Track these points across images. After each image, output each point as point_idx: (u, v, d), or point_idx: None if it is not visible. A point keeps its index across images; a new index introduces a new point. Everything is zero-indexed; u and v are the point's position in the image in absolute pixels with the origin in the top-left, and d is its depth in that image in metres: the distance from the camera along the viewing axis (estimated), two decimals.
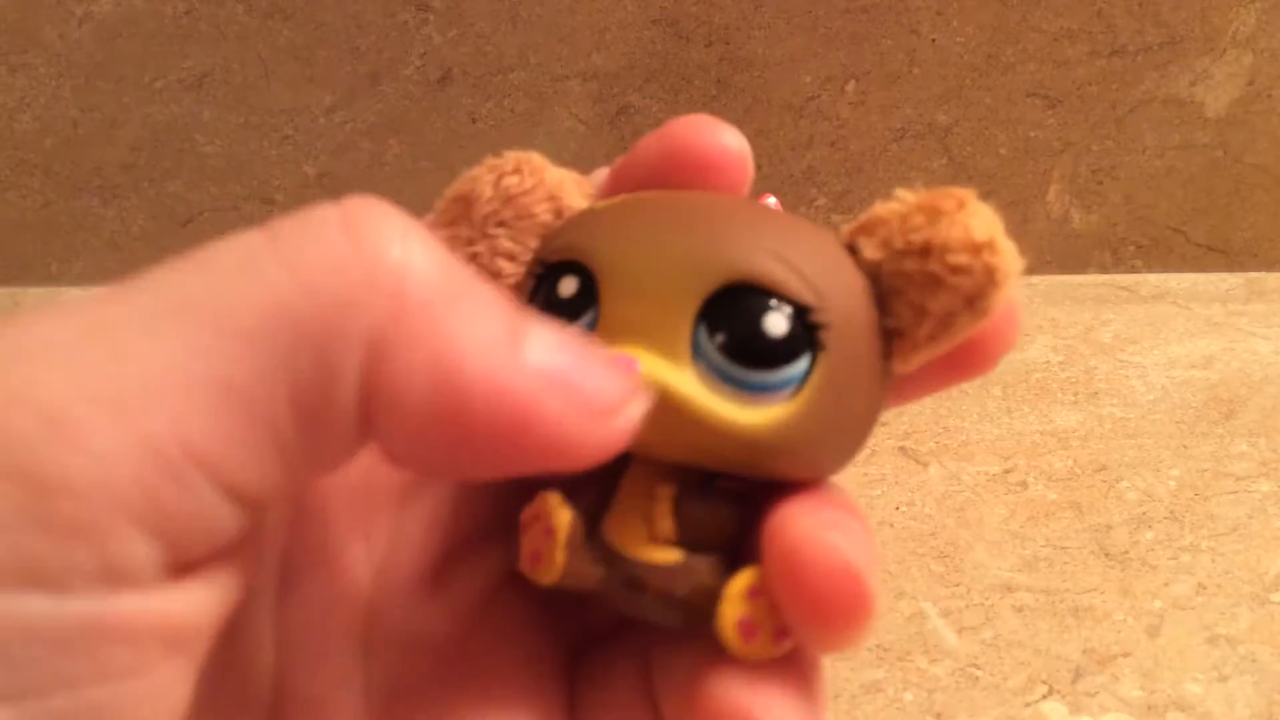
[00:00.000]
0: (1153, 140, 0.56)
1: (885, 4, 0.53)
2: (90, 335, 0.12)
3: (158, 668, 0.12)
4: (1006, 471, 0.46)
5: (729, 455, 0.14)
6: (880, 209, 0.15)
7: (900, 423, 0.49)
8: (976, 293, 0.14)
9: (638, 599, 0.15)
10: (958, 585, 0.40)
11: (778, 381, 0.14)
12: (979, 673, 0.36)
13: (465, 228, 0.16)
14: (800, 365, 0.14)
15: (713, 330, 0.14)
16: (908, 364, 0.15)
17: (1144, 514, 0.43)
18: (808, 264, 0.14)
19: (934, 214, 0.14)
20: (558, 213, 0.16)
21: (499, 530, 0.17)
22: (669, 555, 0.15)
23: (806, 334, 0.14)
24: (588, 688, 0.17)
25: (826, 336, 0.14)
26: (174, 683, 0.12)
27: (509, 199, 0.16)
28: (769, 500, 0.15)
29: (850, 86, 0.55)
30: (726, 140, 0.16)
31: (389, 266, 0.12)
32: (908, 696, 0.35)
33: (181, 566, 0.12)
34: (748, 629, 0.14)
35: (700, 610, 0.14)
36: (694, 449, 0.14)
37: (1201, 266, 0.58)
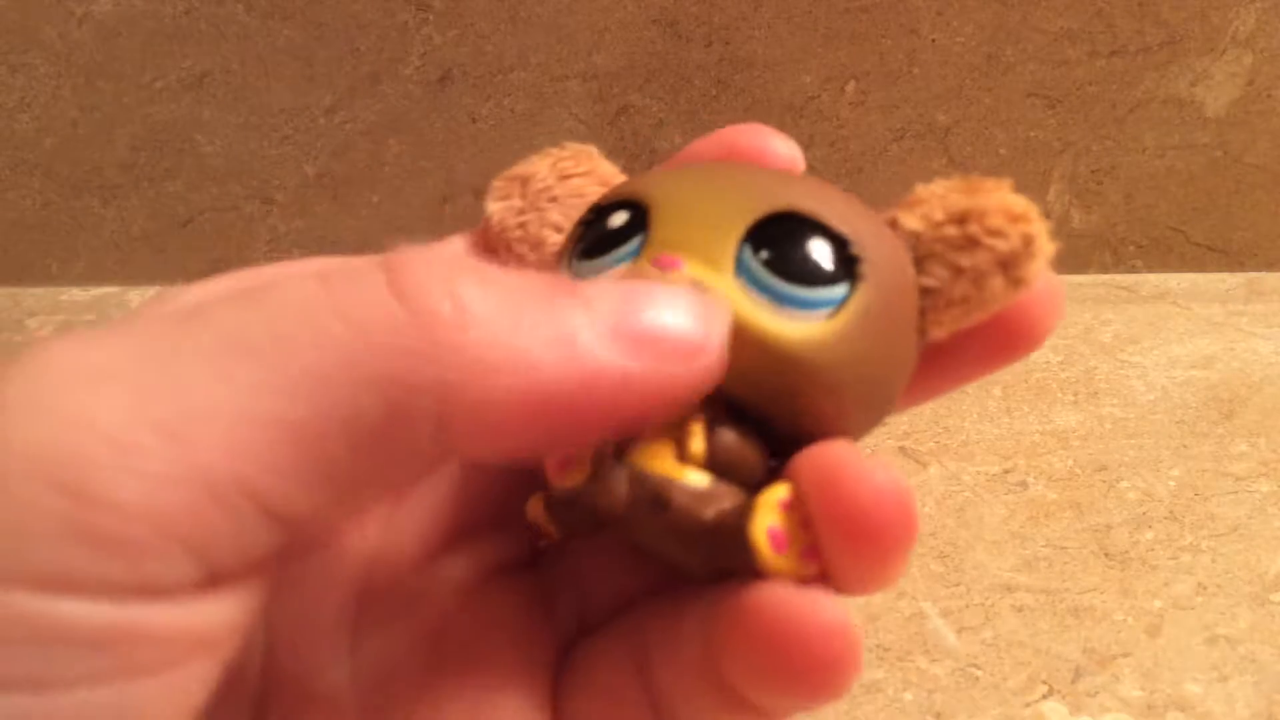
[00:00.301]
0: (1153, 140, 0.56)
1: (885, 4, 0.53)
2: (153, 364, 0.12)
3: (183, 668, 0.12)
4: (1006, 471, 0.46)
5: (761, 369, 0.14)
6: (921, 190, 0.16)
7: (900, 423, 0.49)
8: (1011, 256, 0.15)
9: (661, 525, 0.14)
10: (958, 585, 0.40)
11: (816, 299, 0.14)
12: (979, 673, 0.36)
13: (518, 200, 0.17)
14: (839, 290, 0.15)
15: (757, 249, 0.15)
16: (941, 325, 0.15)
17: (1144, 514, 0.43)
18: (850, 212, 0.15)
19: (973, 190, 0.15)
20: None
21: (494, 520, 0.17)
22: (697, 478, 0.15)
23: (845, 265, 0.15)
24: (577, 675, 0.17)
25: (864, 269, 0.15)
26: (198, 682, 0.12)
27: (563, 177, 0.17)
28: (794, 455, 0.15)
29: (850, 86, 0.55)
30: (779, 147, 0.17)
31: (444, 314, 0.12)
32: (907, 696, 0.35)
33: (217, 580, 0.12)
34: (778, 540, 0.14)
35: (725, 536, 0.14)
36: (732, 359, 0.14)
37: (1201, 266, 0.58)
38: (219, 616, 0.12)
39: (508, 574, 0.17)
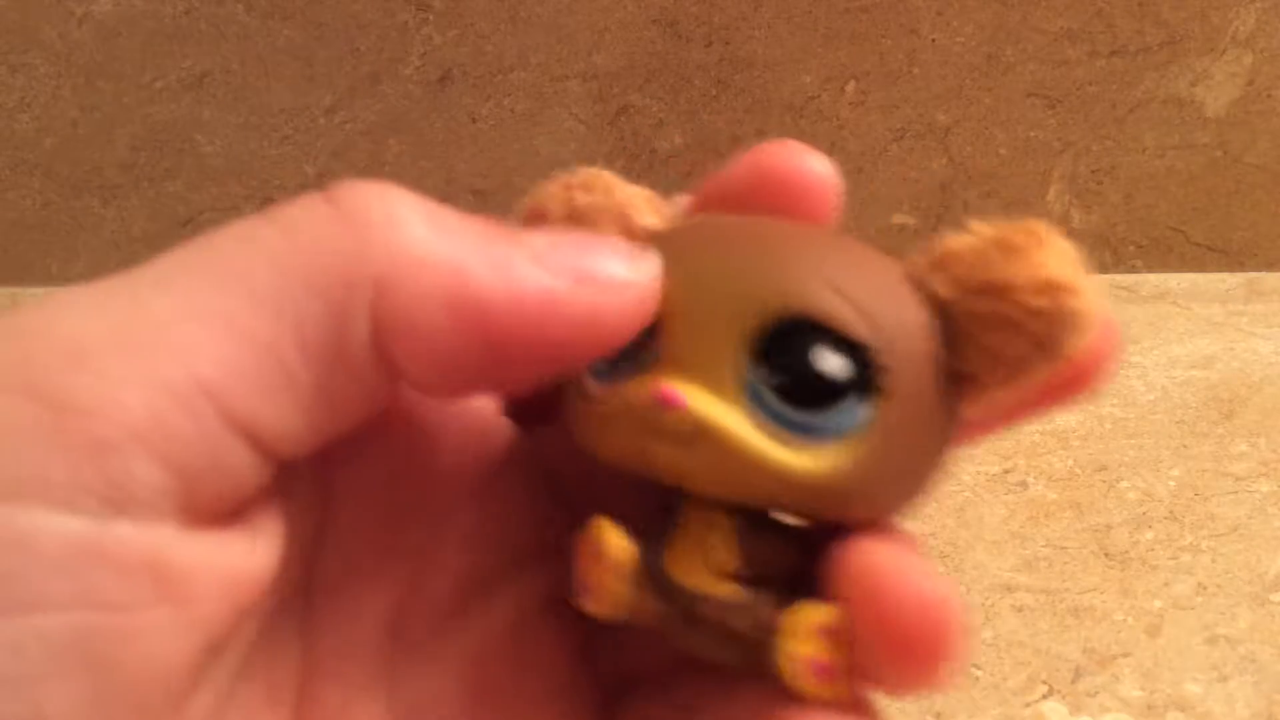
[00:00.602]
0: (1153, 140, 0.56)
1: (885, 4, 0.53)
2: (109, 291, 0.13)
3: (147, 609, 0.12)
4: (1006, 471, 0.46)
5: (781, 497, 0.14)
6: (953, 242, 0.14)
7: None
8: (1052, 337, 0.13)
9: (695, 633, 0.14)
10: (958, 585, 0.40)
11: (830, 424, 0.13)
12: (979, 673, 0.36)
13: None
14: (859, 408, 0.13)
15: (764, 367, 0.13)
16: (979, 407, 0.14)
17: (1144, 514, 0.43)
18: (871, 300, 0.14)
19: (1009, 250, 0.14)
20: (627, 231, 0.16)
21: (536, 556, 0.17)
22: (729, 589, 0.14)
23: (864, 375, 0.13)
24: None
25: (885, 379, 0.13)
26: (167, 637, 0.12)
27: (577, 217, 0.16)
28: (833, 536, 0.14)
29: (850, 86, 0.55)
30: (814, 166, 0.16)
31: (378, 220, 0.13)
32: (908, 697, 0.35)
33: (195, 511, 0.12)
34: (812, 665, 0.13)
35: (760, 646, 0.14)
36: (746, 489, 0.14)
37: (1201, 266, 0.58)
38: (188, 557, 0.12)
39: (550, 616, 0.17)
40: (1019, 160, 0.57)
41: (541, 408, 0.17)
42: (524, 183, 0.61)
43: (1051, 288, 0.13)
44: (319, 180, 0.59)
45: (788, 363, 0.13)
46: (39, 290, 0.62)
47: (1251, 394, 0.50)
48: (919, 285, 0.14)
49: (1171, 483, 0.45)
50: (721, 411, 0.13)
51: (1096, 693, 0.35)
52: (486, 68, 0.56)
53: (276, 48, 0.56)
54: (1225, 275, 0.58)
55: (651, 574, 0.15)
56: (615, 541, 0.15)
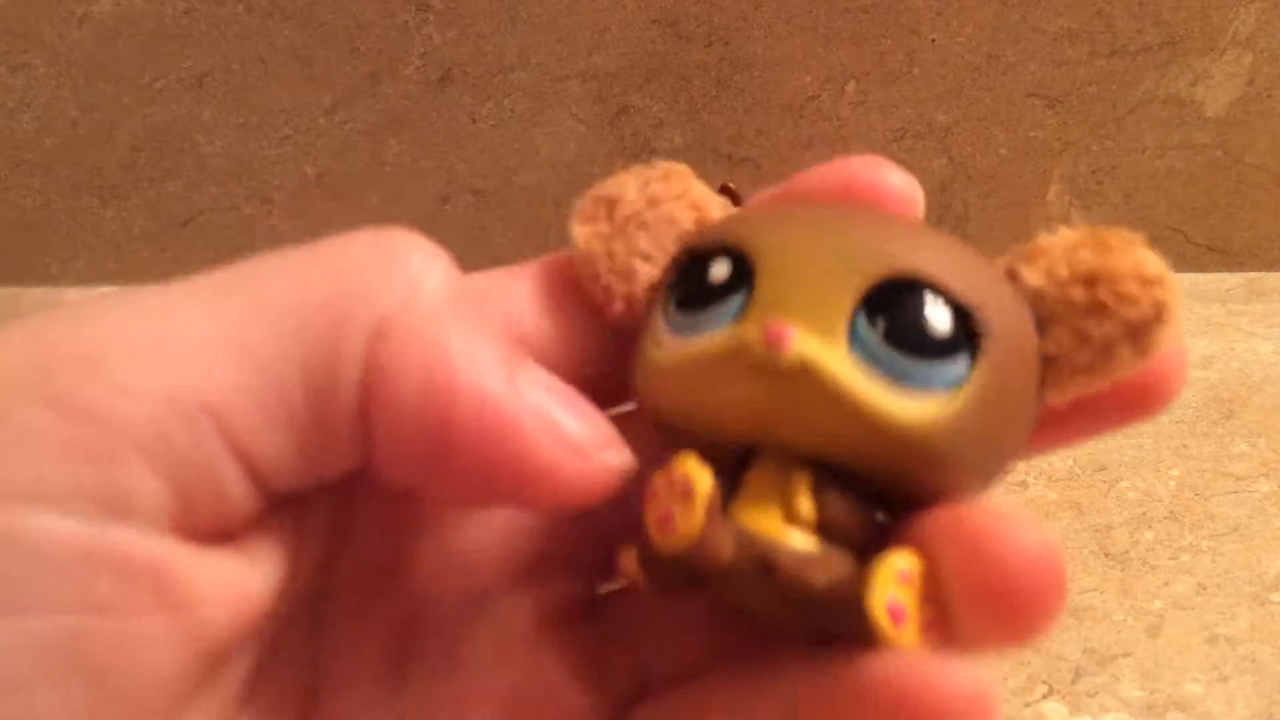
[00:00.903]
0: (1153, 140, 0.56)
1: (885, 4, 0.53)
2: (139, 302, 0.13)
3: (144, 615, 0.12)
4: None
5: (874, 448, 0.14)
6: (1043, 240, 0.15)
7: None
8: (1142, 325, 0.14)
9: (762, 587, 0.14)
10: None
11: (937, 376, 0.14)
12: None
13: (605, 225, 0.16)
14: (960, 365, 0.14)
15: (873, 317, 0.14)
16: (1062, 393, 0.14)
17: (1144, 514, 0.43)
18: (972, 274, 0.14)
19: (1102, 247, 0.14)
20: (699, 223, 0.16)
21: (544, 567, 0.17)
22: (808, 541, 0.14)
23: (968, 336, 0.14)
24: None
25: (987, 343, 0.14)
26: (161, 647, 0.12)
27: (653, 201, 0.16)
28: (898, 525, 0.14)
29: (850, 86, 0.55)
30: (896, 180, 0.16)
31: (408, 270, 0.13)
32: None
33: (191, 529, 0.12)
34: (897, 613, 0.13)
35: (835, 606, 0.13)
36: (839, 437, 0.14)
37: (1201, 266, 0.58)
38: (184, 570, 0.12)
39: (562, 623, 0.17)
40: (1019, 160, 0.57)
41: None
42: (524, 183, 0.61)
43: (1146, 279, 0.14)
44: (319, 180, 0.59)
45: (898, 313, 0.14)
46: (39, 290, 0.62)
47: (1251, 394, 0.50)
48: (1009, 275, 0.15)
49: (1171, 483, 0.45)
50: (828, 351, 0.13)
51: (1096, 693, 0.35)
52: (486, 68, 0.56)
53: (276, 48, 0.56)
54: (1225, 275, 0.58)
55: (728, 518, 0.14)
56: (700, 474, 0.14)
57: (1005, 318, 0.14)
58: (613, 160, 0.57)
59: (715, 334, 0.14)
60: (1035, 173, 0.57)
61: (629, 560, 0.15)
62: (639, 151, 0.57)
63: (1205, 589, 0.39)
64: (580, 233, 0.16)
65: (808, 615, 0.14)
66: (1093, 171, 0.57)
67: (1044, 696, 0.35)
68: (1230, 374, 0.51)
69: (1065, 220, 0.58)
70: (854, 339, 0.14)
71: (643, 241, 0.16)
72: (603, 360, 0.16)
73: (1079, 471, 0.45)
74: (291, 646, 0.15)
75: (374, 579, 0.16)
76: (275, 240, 0.54)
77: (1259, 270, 0.58)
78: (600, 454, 0.14)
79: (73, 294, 0.62)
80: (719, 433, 0.15)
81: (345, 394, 0.13)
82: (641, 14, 0.54)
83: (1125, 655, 0.37)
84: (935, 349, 0.14)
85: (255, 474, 0.13)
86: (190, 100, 0.57)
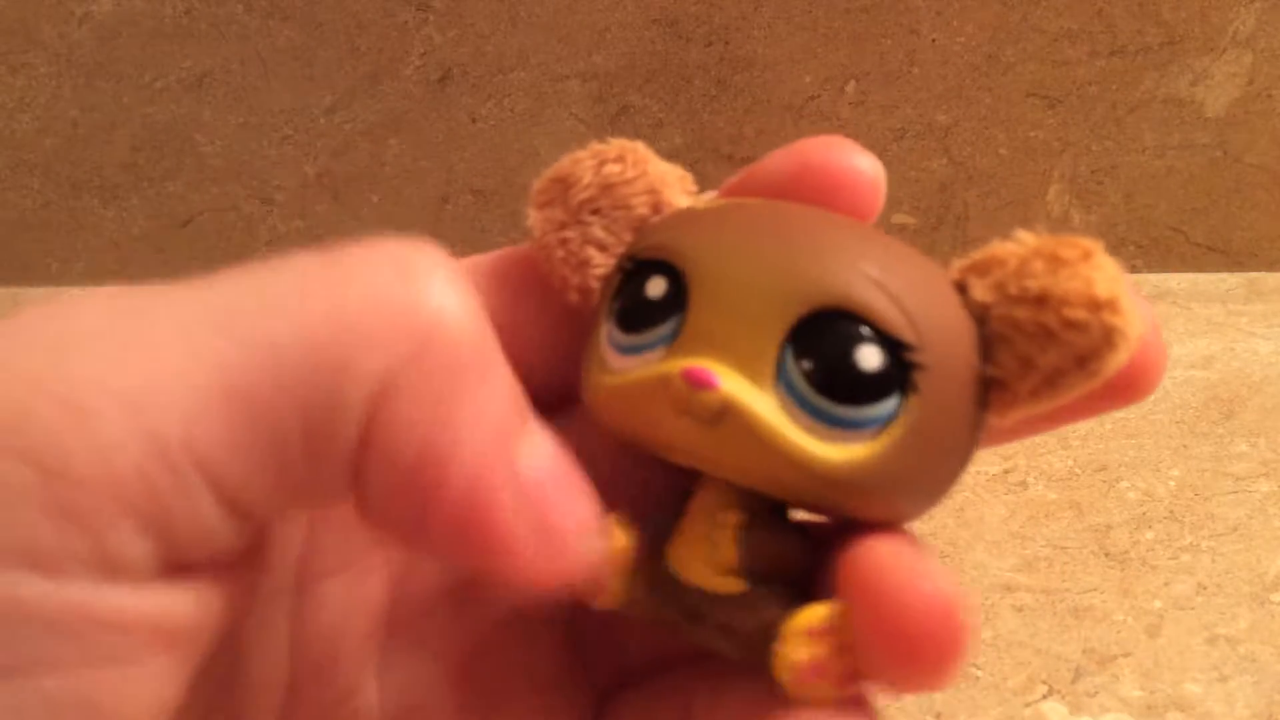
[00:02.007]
0: (1153, 140, 0.56)
1: (885, 4, 0.53)
2: (121, 325, 0.12)
3: (147, 660, 0.12)
4: (1006, 471, 0.46)
5: (802, 488, 0.14)
6: (998, 248, 0.14)
7: None
8: (1090, 353, 0.13)
9: (698, 629, 0.14)
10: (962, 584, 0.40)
11: (863, 419, 0.13)
12: (979, 673, 0.36)
13: (560, 210, 0.16)
14: (889, 405, 0.13)
15: (800, 356, 0.13)
16: (1005, 418, 0.14)
17: (1144, 514, 0.43)
18: (911, 297, 0.13)
19: (1055, 262, 0.13)
20: (656, 207, 0.16)
21: None
22: (732, 585, 0.14)
23: (900, 372, 0.13)
24: None
25: (921, 378, 0.13)
26: (164, 679, 0.12)
27: (608, 187, 0.16)
28: (840, 538, 0.14)
29: (850, 86, 0.55)
30: (861, 164, 0.15)
31: (423, 316, 0.12)
32: (907, 696, 0.35)
33: (179, 567, 0.12)
34: (810, 669, 0.13)
35: (763, 645, 0.13)
36: (766, 477, 0.14)
37: (1201, 266, 0.58)
38: (183, 608, 0.12)
39: (542, 611, 0.17)
40: (1019, 160, 0.57)
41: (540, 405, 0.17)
42: (524, 182, 0.61)
43: (1095, 303, 0.13)
44: (319, 180, 0.59)
45: (825, 354, 0.13)
46: (39, 290, 0.62)
47: (1251, 394, 0.50)
48: (959, 288, 0.14)
49: (1171, 483, 0.45)
50: (751, 394, 0.13)
51: (1096, 693, 0.35)
52: (486, 68, 0.56)
53: (276, 48, 0.56)
54: (1225, 275, 0.58)
55: (654, 569, 0.14)
56: (615, 535, 0.14)
57: (944, 347, 0.13)
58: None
59: (650, 359, 0.14)
60: (1035, 173, 0.57)
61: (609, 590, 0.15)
62: None
63: (1205, 589, 0.39)
64: (535, 218, 0.16)
65: (744, 652, 0.14)
66: (1093, 171, 0.57)
67: (1044, 696, 0.35)
68: (1230, 374, 0.51)
69: (1065, 220, 0.58)
70: (780, 377, 0.13)
71: (598, 229, 0.16)
72: (559, 349, 0.16)
73: (1079, 471, 0.45)
74: (273, 622, 0.15)
75: (357, 556, 0.16)
76: (275, 240, 0.54)
77: (1259, 270, 0.58)
78: (577, 543, 0.13)
79: (73, 294, 0.62)
80: (664, 455, 0.14)
81: (342, 444, 0.12)
82: (641, 14, 0.54)
83: (1125, 655, 0.37)
84: (863, 393, 0.13)
85: (245, 517, 0.12)
86: (190, 100, 0.57)
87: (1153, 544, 0.41)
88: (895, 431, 0.13)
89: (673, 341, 0.14)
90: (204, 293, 0.13)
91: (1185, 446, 0.47)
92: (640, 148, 0.16)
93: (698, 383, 0.13)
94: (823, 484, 0.13)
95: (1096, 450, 0.47)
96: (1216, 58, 0.54)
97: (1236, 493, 0.44)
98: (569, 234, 0.16)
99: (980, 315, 0.14)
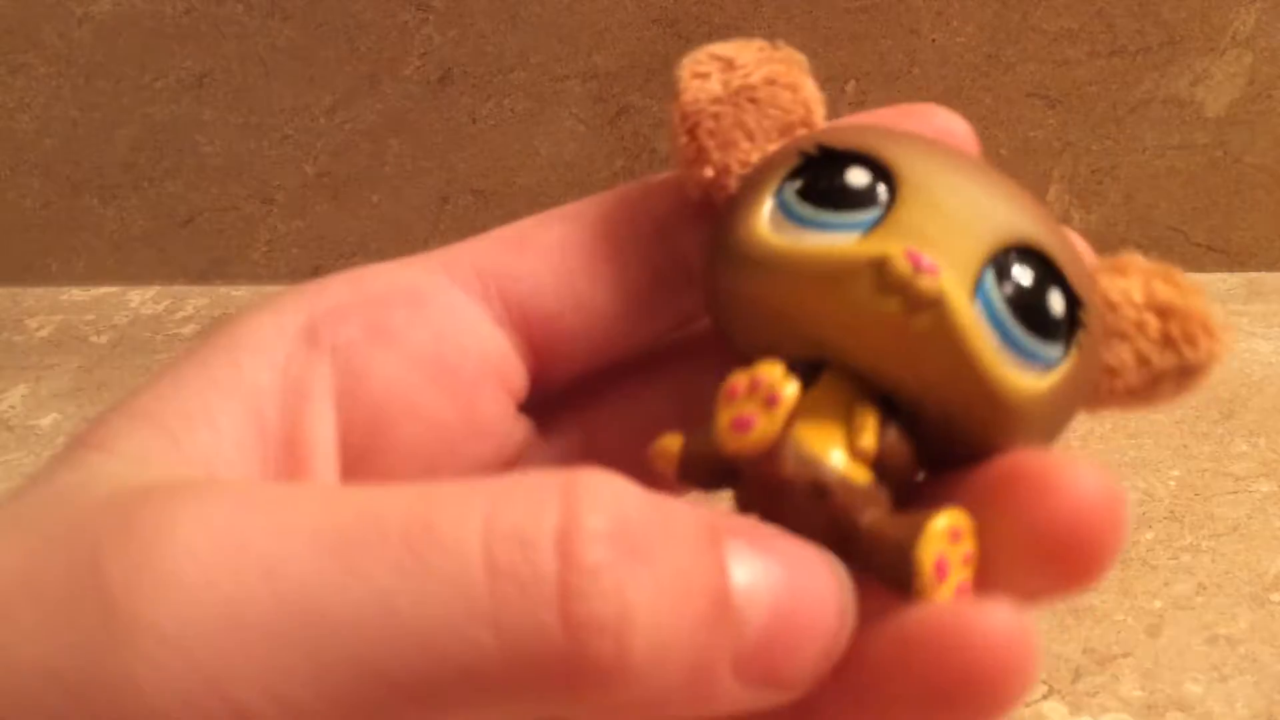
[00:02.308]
0: (1153, 140, 0.56)
1: (885, 4, 0.53)
2: (298, 613, 0.11)
3: None
4: None
5: (966, 402, 0.14)
6: (1126, 257, 0.15)
7: None
8: (1195, 368, 0.15)
9: (808, 508, 0.13)
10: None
11: (1040, 354, 0.14)
12: None
13: (718, 85, 0.15)
14: (1057, 349, 0.14)
15: (999, 278, 0.14)
16: (1101, 404, 0.15)
17: (1144, 514, 0.43)
18: (1080, 268, 0.14)
19: (1176, 285, 0.15)
20: (806, 122, 0.16)
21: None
22: (863, 473, 0.14)
23: (1070, 326, 0.14)
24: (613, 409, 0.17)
25: (1083, 336, 0.14)
26: None
27: (771, 81, 0.15)
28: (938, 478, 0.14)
29: (850, 86, 0.55)
30: (956, 127, 0.16)
31: (603, 653, 0.11)
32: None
33: None
34: (941, 569, 0.13)
35: (879, 547, 0.13)
36: (933, 380, 0.14)
37: (1201, 266, 0.58)
38: None
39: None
40: (1019, 160, 0.57)
41: (555, 404, 0.17)
42: (524, 183, 0.61)
43: (1212, 329, 0.15)
44: (319, 180, 0.59)
45: (1022, 283, 0.14)
46: (39, 290, 0.62)
47: (1251, 394, 0.50)
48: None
49: (1171, 483, 0.45)
50: (965, 305, 0.13)
51: (1096, 693, 0.35)
52: (486, 68, 0.56)
53: (276, 48, 0.56)
54: (1225, 275, 0.58)
55: (789, 435, 0.14)
56: (786, 384, 0.14)
57: (1096, 319, 0.14)
58: (613, 160, 0.57)
59: (843, 239, 0.14)
60: (1035, 173, 0.57)
61: (669, 447, 0.15)
62: (639, 152, 0.57)
63: (1205, 589, 0.39)
64: (689, 86, 0.15)
65: (842, 547, 0.13)
66: (1093, 171, 0.57)
67: (1044, 696, 0.35)
68: (1230, 374, 0.51)
69: (1065, 220, 0.58)
70: (979, 292, 0.13)
71: (749, 117, 0.15)
72: (644, 307, 0.16)
73: None
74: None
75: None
76: (275, 240, 0.54)
77: (1259, 270, 0.58)
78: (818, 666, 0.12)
79: (73, 294, 0.62)
80: (796, 340, 0.14)
81: None
82: (641, 14, 0.54)
83: (1125, 655, 0.37)
84: (1048, 330, 0.14)
85: None
86: (190, 100, 0.58)
87: (1153, 544, 0.41)
88: (1058, 375, 0.14)
89: (871, 229, 0.14)
90: (364, 573, 0.11)
91: (1185, 446, 0.47)
92: (803, 60, 0.16)
93: (921, 266, 0.13)
94: (990, 404, 0.14)
95: (1096, 450, 0.47)
96: (1216, 58, 0.54)
97: (1236, 493, 0.44)
98: (723, 109, 0.15)
99: (1105, 310, 0.15)
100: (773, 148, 0.15)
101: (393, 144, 0.58)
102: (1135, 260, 0.15)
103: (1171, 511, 0.43)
